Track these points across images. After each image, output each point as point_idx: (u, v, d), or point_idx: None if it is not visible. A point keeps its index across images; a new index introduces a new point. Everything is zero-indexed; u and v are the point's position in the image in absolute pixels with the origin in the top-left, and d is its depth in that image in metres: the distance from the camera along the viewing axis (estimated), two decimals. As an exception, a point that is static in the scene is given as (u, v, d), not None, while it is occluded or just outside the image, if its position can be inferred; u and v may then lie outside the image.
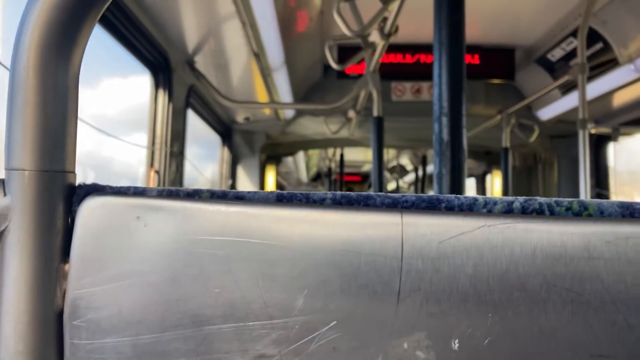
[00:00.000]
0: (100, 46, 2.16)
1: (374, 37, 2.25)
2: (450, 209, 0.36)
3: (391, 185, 10.34)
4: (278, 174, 5.33)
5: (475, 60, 3.70)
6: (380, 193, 0.37)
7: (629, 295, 0.32)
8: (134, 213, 0.36)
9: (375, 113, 2.80)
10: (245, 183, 4.66)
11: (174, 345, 0.35)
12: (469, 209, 0.36)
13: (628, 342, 0.32)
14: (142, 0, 2.16)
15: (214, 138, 4.19)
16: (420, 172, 7.48)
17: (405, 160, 8.35)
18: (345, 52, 3.38)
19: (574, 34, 3.04)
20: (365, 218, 0.35)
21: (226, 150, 4.35)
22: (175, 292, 0.35)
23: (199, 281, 0.35)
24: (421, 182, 7.31)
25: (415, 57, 3.72)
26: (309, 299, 0.34)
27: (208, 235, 0.35)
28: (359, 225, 0.34)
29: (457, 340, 0.33)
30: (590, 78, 2.92)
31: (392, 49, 3.55)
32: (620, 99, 3.35)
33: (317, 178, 9.98)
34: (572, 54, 3.20)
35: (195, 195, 0.38)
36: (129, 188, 0.38)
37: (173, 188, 0.38)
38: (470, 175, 6.66)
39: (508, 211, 0.35)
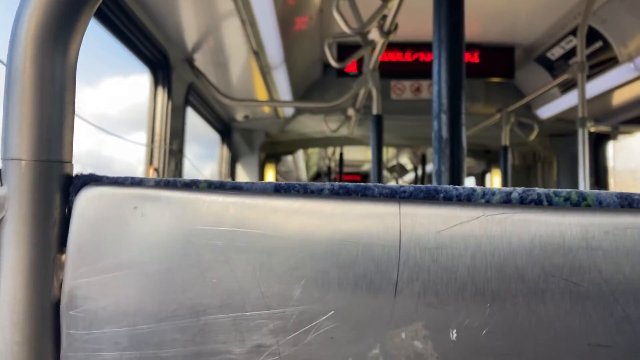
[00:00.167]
0: (99, 44, 2.16)
1: (374, 35, 2.25)
2: (449, 199, 0.35)
3: (391, 185, 10.31)
4: (278, 172, 5.33)
5: (475, 58, 3.70)
6: (378, 184, 0.37)
7: (627, 286, 0.32)
8: (131, 203, 0.36)
9: (374, 111, 2.80)
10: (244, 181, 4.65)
11: (171, 335, 0.35)
12: (467, 199, 0.35)
13: (626, 332, 0.32)
14: (142, -3, 2.16)
15: (213, 136, 4.19)
16: (419, 172, 7.48)
17: (405, 160, 8.35)
18: (345, 50, 3.37)
19: (573, 32, 3.04)
20: (363, 208, 0.35)
21: (225, 149, 4.35)
22: (173, 282, 0.35)
23: (196, 271, 0.35)
24: (421, 182, 7.31)
25: (415, 55, 3.72)
26: (306, 289, 0.34)
27: (205, 226, 0.35)
28: (356, 216, 0.34)
29: (455, 331, 0.33)
30: (590, 77, 2.92)
31: (391, 47, 3.55)
32: (619, 98, 3.35)
33: (317, 177, 9.98)
34: (571, 53, 3.20)
35: (192, 185, 0.37)
36: (126, 178, 0.38)
37: (170, 178, 0.38)
38: (469, 174, 6.66)
39: (506, 201, 0.35)
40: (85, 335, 0.35)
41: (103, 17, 2.04)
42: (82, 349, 0.35)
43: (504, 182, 3.95)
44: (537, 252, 0.33)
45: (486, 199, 0.35)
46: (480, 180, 6.36)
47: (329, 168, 8.75)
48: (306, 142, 5.11)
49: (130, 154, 2.70)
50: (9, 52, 0.36)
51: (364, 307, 0.33)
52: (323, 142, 5.18)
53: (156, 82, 2.63)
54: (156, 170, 2.62)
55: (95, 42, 2.10)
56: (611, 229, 0.33)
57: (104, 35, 2.11)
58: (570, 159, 4.25)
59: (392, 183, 10.00)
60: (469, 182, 6.78)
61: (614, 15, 2.73)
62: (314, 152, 7.79)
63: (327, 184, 0.37)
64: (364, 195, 0.36)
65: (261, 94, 3.52)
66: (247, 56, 2.84)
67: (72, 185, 0.38)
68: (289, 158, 6.23)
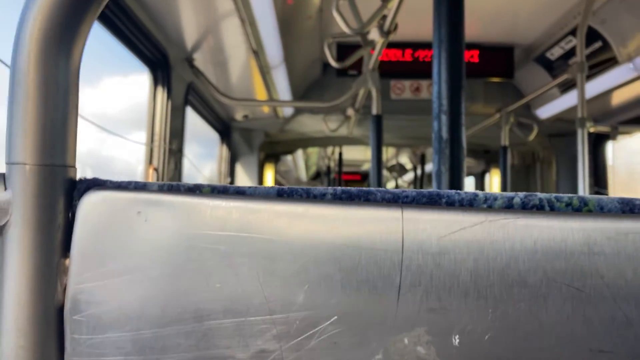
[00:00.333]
0: (99, 43, 2.15)
1: (373, 34, 2.25)
2: (451, 205, 0.36)
3: (390, 184, 10.35)
4: (277, 172, 5.33)
5: (475, 58, 3.70)
6: (380, 188, 0.37)
7: (629, 291, 0.32)
8: (134, 208, 0.36)
9: (374, 111, 2.80)
10: (244, 181, 4.66)
11: (174, 340, 0.35)
12: (470, 204, 0.36)
13: (627, 338, 0.32)
14: (141, -3, 2.16)
15: (213, 136, 4.19)
16: (419, 171, 7.48)
17: (405, 159, 8.36)
18: (345, 49, 3.37)
19: (573, 32, 3.04)
20: (366, 213, 0.35)
21: (225, 148, 4.35)
22: (176, 287, 0.35)
23: (199, 276, 0.35)
24: (420, 181, 7.31)
25: (415, 55, 3.72)
26: (309, 294, 0.34)
27: (209, 230, 0.35)
28: (359, 220, 0.34)
29: (457, 336, 0.33)
30: (589, 77, 2.93)
31: (391, 46, 3.55)
32: (619, 98, 3.36)
33: (316, 177, 9.97)
34: (571, 53, 3.21)
35: (196, 190, 0.38)
36: (129, 183, 0.38)
37: (174, 183, 0.38)
38: (469, 174, 6.66)
39: (508, 207, 0.35)
40: (89, 340, 0.35)
41: (103, 17, 2.04)
42: (86, 354, 0.35)
43: (503, 182, 3.95)
44: (539, 257, 0.33)
45: (488, 204, 0.36)
46: (480, 180, 6.37)
47: (329, 167, 8.74)
48: (305, 142, 5.11)
49: (129, 154, 2.70)
50: (12, 55, 0.36)
51: (367, 312, 0.34)
52: (322, 141, 5.18)
53: (156, 82, 2.63)
54: (156, 170, 2.62)
55: (95, 41, 2.10)
56: (613, 235, 0.33)
57: (104, 34, 2.12)
58: (570, 159, 4.25)
59: (392, 182, 10.00)
60: (468, 182, 6.79)
61: (614, 16, 2.74)
62: (314, 151, 7.79)
63: (329, 189, 0.37)
64: (367, 200, 0.36)
65: (260, 93, 3.52)
66: (246, 56, 2.84)
67: (76, 189, 0.38)
68: (289, 158, 6.23)
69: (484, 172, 6.14)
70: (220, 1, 2.23)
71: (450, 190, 0.36)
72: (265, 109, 4.01)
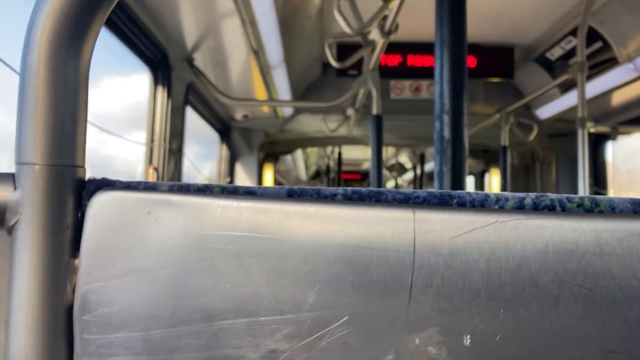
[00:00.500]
0: (99, 43, 2.15)
1: (374, 35, 2.25)
2: (462, 205, 0.36)
3: (390, 184, 10.35)
4: (276, 171, 5.33)
5: (474, 59, 3.70)
6: (391, 189, 0.37)
7: None
8: (144, 208, 0.36)
9: (374, 111, 2.80)
10: (243, 181, 4.66)
11: (184, 340, 0.35)
12: (481, 205, 0.36)
13: (639, 338, 0.32)
14: (142, -4, 2.16)
15: (213, 135, 4.19)
16: (418, 170, 7.49)
17: (404, 159, 8.36)
18: (345, 49, 3.37)
19: (573, 32, 3.05)
20: (377, 214, 0.35)
21: (225, 148, 4.35)
22: (186, 287, 0.35)
23: (209, 276, 0.35)
24: (419, 180, 7.32)
25: (415, 55, 3.72)
26: (320, 294, 0.34)
27: (219, 231, 0.35)
28: (370, 221, 0.34)
29: (469, 336, 0.33)
30: (590, 77, 2.93)
31: (391, 47, 3.55)
32: (619, 98, 3.36)
33: (316, 176, 9.97)
34: (571, 53, 3.21)
35: (206, 190, 0.37)
36: (139, 183, 0.38)
37: (184, 183, 0.38)
38: (468, 174, 6.66)
39: (520, 207, 0.35)
40: (98, 340, 0.35)
41: (103, 17, 2.03)
42: (95, 354, 0.35)
43: (503, 182, 3.96)
44: (550, 257, 0.33)
45: (500, 205, 0.35)
46: (479, 180, 6.38)
47: (328, 167, 8.74)
48: (305, 142, 5.11)
49: (129, 153, 2.70)
50: (22, 56, 0.36)
51: (378, 312, 0.34)
52: (322, 141, 5.18)
53: (156, 82, 2.63)
54: (156, 169, 2.62)
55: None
56: (625, 235, 0.33)
57: (104, 34, 2.11)
58: (570, 159, 4.26)
59: (392, 182, 10.00)
60: (469, 181, 6.79)
61: (614, 16, 2.74)
62: (313, 151, 7.79)
63: (340, 189, 0.37)
64: (378, 200, 0.36)
65: (260, 93, 3.52)
66: (246, 56, 2.84)
67: (85, 189, 0.37)
68: (288, 157, 6.23)
69: (484, 171, 6.14)
70: (221, 1, 2.23)
71: (461, 191, 0.36)
72: (265, 109, 4.01)
